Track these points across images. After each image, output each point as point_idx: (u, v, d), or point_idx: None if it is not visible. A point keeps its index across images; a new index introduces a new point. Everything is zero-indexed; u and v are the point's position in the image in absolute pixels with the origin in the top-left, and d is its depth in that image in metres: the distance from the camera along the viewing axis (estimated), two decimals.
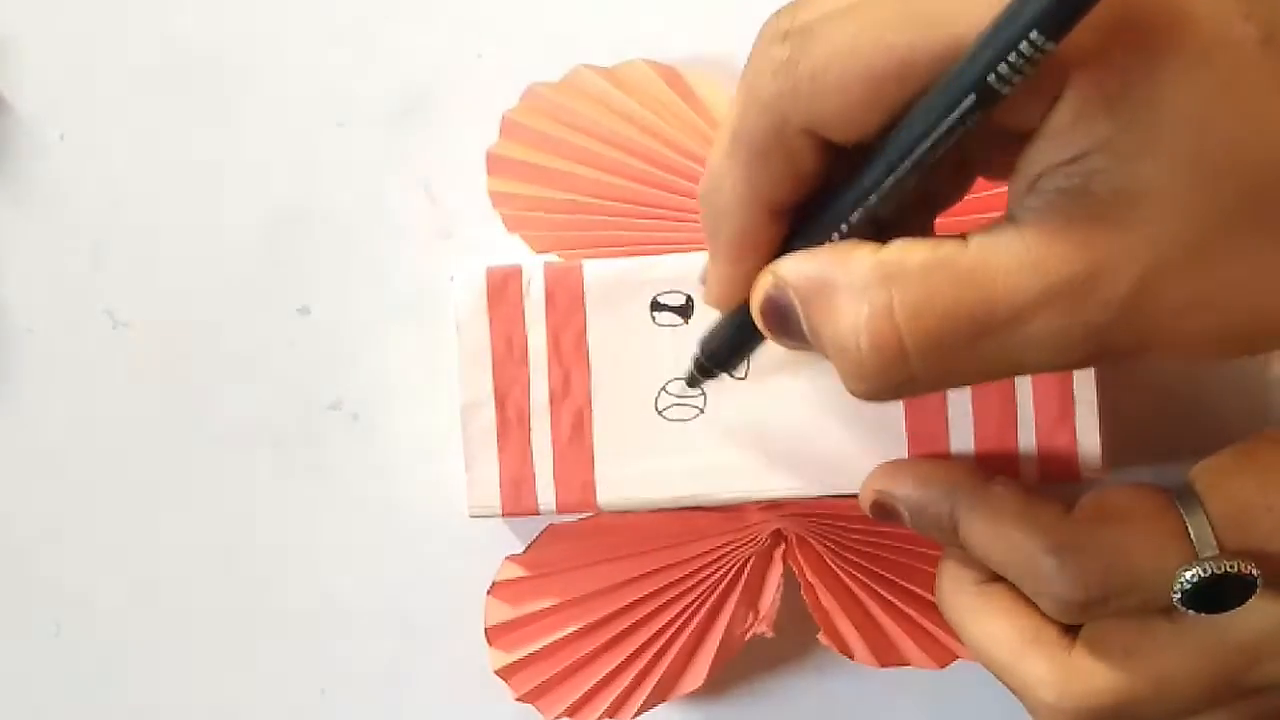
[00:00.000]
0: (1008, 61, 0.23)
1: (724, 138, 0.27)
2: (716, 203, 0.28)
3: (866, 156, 0.26)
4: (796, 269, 0.26)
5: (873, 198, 0.26)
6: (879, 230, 0.26)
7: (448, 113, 0.38)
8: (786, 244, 0.28)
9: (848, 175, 0.26)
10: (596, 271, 0.35)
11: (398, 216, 0.38)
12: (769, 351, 0.34)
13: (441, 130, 0.38)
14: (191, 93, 0.39)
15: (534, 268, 0.35)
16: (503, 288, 0.35)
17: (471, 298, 0.35)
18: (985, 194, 0.32)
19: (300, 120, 0.38)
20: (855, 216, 0.26)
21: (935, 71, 0.24)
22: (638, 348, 0.35)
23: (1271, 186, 0.24)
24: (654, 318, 0.35)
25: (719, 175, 0.27)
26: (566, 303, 0.35)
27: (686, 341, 0.34)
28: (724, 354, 0.31)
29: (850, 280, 0.25)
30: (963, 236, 0.25)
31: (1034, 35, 0.22)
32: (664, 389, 0.35)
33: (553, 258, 0.36)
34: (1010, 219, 0.25)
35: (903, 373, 0.25)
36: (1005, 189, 0.26)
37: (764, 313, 0.28)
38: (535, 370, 0.35)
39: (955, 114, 0.24)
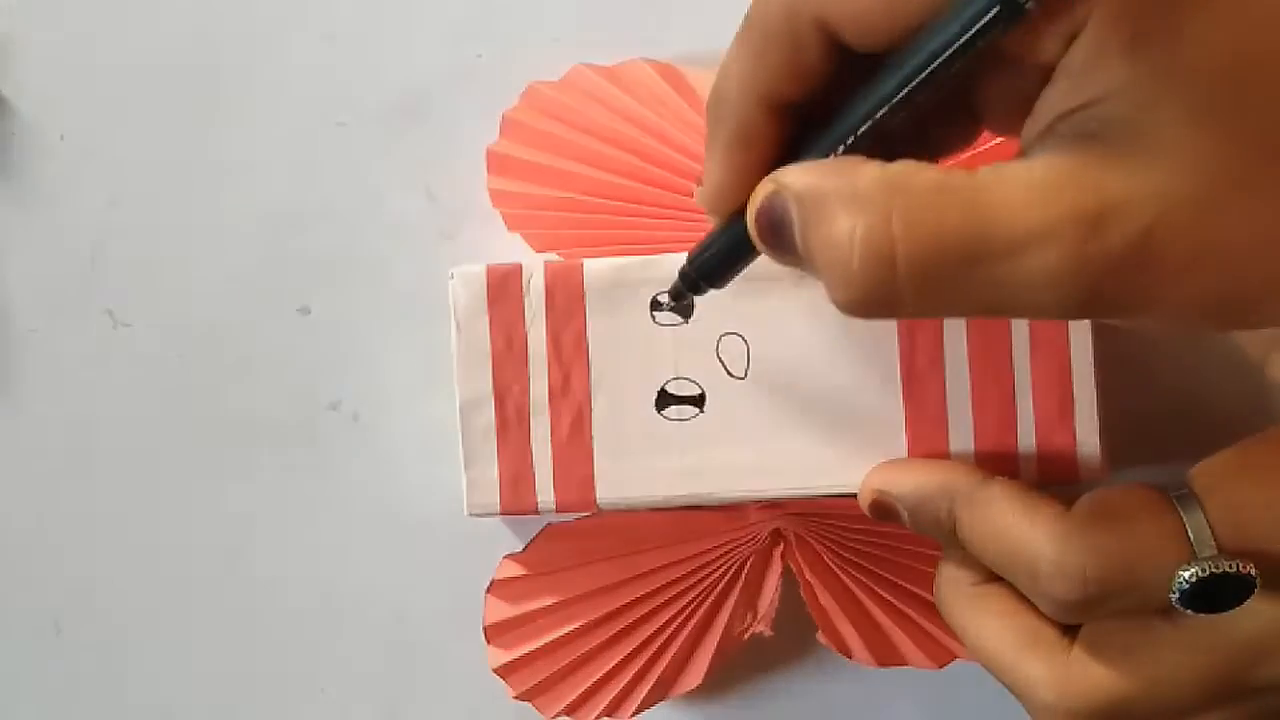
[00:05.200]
0: None
1: (740, 27, 0.27)
2: (721, 91, 0.27)
3: (879, 67, 0.25)
4: (800, 177, 0.26)
5: (886, 108, 0.25)
6: (887, 154, 0.26)
7: (448, 112, 0.38)
8: (789, 153, 0.27)
9: (857, 87, 0.26)
10: (596, 270, 0.35)
11: (398, 216, 0.38)
12: (768, 352, 0.34)
13: (441, 130, 0.38)
14: (191, 93, 0.39)
15: (534, 266, 0.35)
16: (503, 286, 0.35)
17: (471, 296, 0.35)
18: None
19: (300, 120, 0.38)
20: (865, 128, 0.26)
21: None
22: (637, 346, 0.35)
23: None
24: (654, 317, 0.35)
25: (726, 64, 0.27)
26: (566, 301, 0.35)
27: (686, 341, 0.34)
28: (712, 267, 0.30)
29: (854, 190, 0.25)
30: (974, 169, 0.25)
31: None
32: (663, 387, 0.35)
33: (553, 256, 0.36)
34: (1023, 158, 0.25)
35: (889, 287, 0.24)
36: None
37: (759, 221, 0.27)
38: (535, 369, 0.35)
39: (978, 26, 0.23)
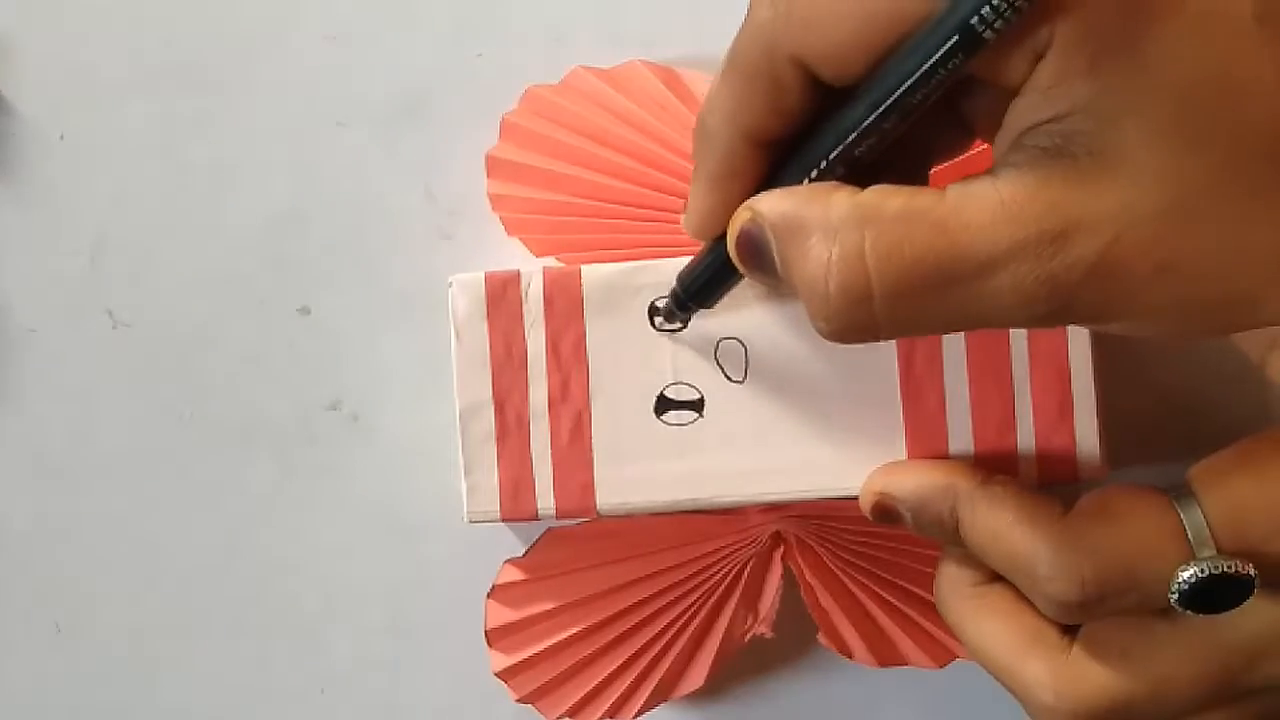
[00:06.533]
0: (991, 5, 0.23)
1: (722, 64, 0.27)
2: (705, 125, 0.28)
3: (851, 97, 0.26)
4: (774, 205, 0.27)
5: (852, 136, 0.26)
6: (865, 176, 0.26)
7: (447, 113, 0.38)
8: (769, 181, 0.28)
9: (830, 115, 0.26)
10: (595, 276, 0.35)
11: (398, 216, 0.38)
12: (766, 356, 0.34)
13: (441, 131, 0.38)
14: (191, 93, 0.39)
15: (533, 273, 0.35)
16: (501, 293, 0.35)
17: (470, 304, 0.35)
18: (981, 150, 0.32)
19: (300, 120, 0.38)
20: (835, 154, 0.26)
21: (926, 15, 0.24)
22: (636, 352, 0.35)
23: (1251, 157, 0.24)
24: (652, 322, 0.35)
25: (711, 99, 0.28)
26: (565, 307, 0.35)
27: (685, 346, 0.34)
28: (700, 288, 0.32)
29: (826, 220, 0.26)
30: (943, 188, 0.25)
31: None
32: (662, 392, 0.35)
33: (552, 261, 0.36)
34: (991, 173, 0.25)
35: (866, 315, 0.25)
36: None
37: (739, 247, 0.28)
38: (534, 375, 0.35)
39: (938, 55, 0.24)
